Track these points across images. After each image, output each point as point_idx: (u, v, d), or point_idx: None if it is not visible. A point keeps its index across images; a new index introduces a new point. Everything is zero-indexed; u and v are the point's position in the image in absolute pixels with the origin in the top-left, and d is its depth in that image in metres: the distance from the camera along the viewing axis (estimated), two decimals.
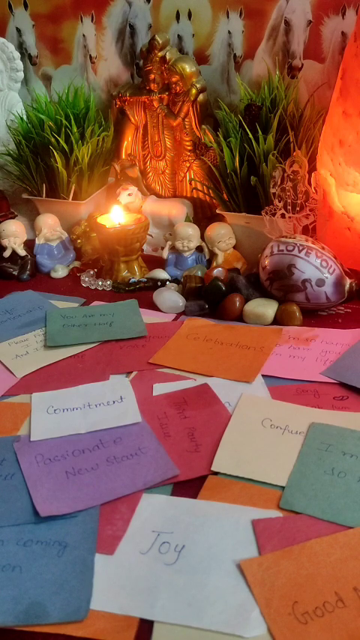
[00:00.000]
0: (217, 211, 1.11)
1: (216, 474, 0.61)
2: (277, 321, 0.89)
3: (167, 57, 1.14)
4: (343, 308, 0.93)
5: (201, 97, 1.15)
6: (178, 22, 1.19)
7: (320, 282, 0.88)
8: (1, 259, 1.11)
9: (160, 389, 0.75)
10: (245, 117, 1.03)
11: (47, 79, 1.37)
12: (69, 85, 1.22)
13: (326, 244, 0.92)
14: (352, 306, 0.93)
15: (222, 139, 1.03)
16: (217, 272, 0.95)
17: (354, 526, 0.53)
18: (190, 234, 1.06)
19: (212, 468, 0.61)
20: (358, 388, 0.73)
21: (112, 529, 0.55)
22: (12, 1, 1.32)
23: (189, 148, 1.18)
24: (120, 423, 0.68)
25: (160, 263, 1.09)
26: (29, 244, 1.14)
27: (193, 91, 1.14)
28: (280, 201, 0.99)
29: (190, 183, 1.20)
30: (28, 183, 1.19)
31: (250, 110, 1.03)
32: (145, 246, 1.12)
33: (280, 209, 0.99)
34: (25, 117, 1.20)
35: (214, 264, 1.05)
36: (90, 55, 1.30)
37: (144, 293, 1.00)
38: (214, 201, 1.14)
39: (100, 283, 1.04)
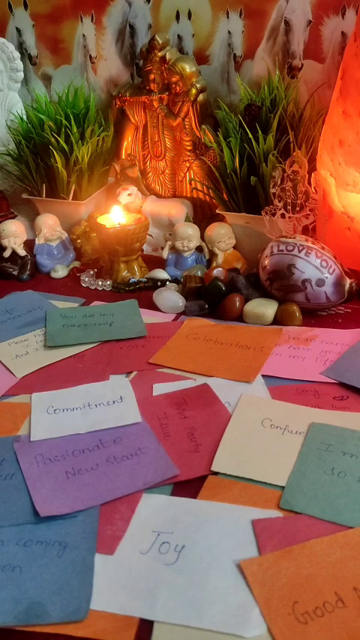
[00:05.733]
0: (217, 211, 1.11)
1: (216, 473, 0.61)
2: (277, 321, 0.89)
3: (167, 57, 1.13)
4: (343, 308, 0.92)
5: (201, 97, 1.15)
6: (178, 22, 1.19)
7: (320, 282, 0.88)
8: (1, 259, 1.10)
9: (160, 389, 0.75)
10: (245, 117, 1.03)
11: (47, 79, 1.37)
12: (69, 85, 1.22)
13: (326, 244, 0.92)
14: (352, 306, 0.93)
15: (222, 139, 1.03)
16: (217, 272, 0.95)
17: (354, 526, 0.53)
18: (190, 234, 1.06)
19: (212, 468, 0.61)
20: (358, 388, 0.73)
21: (112, 529, 0.55)
22: (12, 1, 1.32)
23: (189, 148, 1.17)
24: (120, 423, 0.68)
25: (160, 263, 1.09)
26: (29, 244, 1.13)
27: (193, 91, 1.13)
28: (280, 201, 0.99)
29: (190, 184, 1.20)
30: (28, 183, 1.19)
31: (250, 110, 1.03)
32: (145, 246, 1.11)
33: (280, 209, 0.99)
34: (25, 117, 1.20)
35: (214, 264, 1.05)
36: (90, 55, 1.30)
37: (144, 293, 1.00)
38: (214, 201, 1.14)
39: (100, 283, 1.04)
